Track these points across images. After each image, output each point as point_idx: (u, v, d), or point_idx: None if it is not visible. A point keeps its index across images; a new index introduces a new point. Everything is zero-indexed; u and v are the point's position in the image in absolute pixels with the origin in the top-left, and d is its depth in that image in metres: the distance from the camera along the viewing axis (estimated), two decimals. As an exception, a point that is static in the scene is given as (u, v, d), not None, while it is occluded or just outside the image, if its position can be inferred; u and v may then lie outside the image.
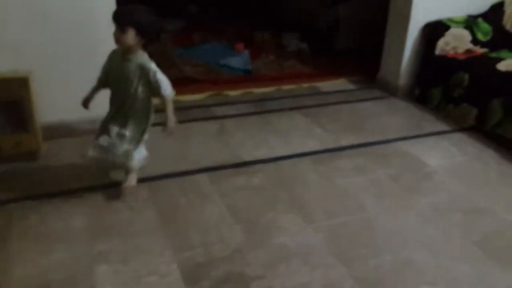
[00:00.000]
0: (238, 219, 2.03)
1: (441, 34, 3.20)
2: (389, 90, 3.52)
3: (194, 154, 2.56)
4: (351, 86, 3.69)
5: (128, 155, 2.08)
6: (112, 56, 2.04)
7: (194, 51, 4.28)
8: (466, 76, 2.98)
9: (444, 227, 2.05)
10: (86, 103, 2.13)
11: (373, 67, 3.70)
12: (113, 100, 2.08)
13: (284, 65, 4.11)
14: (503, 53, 3.14)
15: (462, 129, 2.98)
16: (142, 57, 1.98)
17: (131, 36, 1.88)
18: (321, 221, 2.05)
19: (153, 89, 2.00)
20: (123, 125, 2.06)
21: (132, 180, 2.16)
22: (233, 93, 3.42)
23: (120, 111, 2.06)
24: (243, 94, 3.44)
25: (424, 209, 2.17)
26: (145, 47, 2.00)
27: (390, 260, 1.83)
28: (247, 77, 3.76)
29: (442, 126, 3.03)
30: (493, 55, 3.12)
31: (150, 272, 1.72)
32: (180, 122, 2.89)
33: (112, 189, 2.19)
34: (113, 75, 2.03)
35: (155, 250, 1.84)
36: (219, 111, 3.14)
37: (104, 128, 2.10)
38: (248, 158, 2.55)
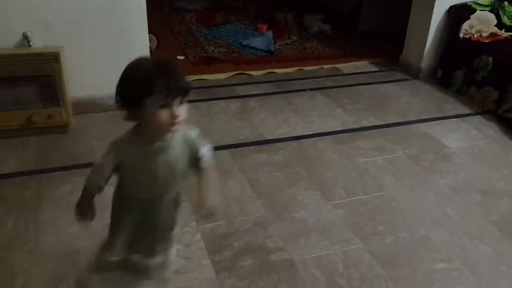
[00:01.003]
0: (259, 194, 2.10)
1: (466, 17, 3.18)
2: (411, 72, 3.51)
3: (216, 132, 2.63)
4: (373, 68, 3.69)
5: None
6: (122, 146, 1.24)
7: (218, 31, 4.32)
8: (490, 60, 2.96)
9: (462, 207, 2.08)
10: (84, 215, 1.36)
11: (396, 49, 3.69)
12: (129, 213, 1.29)
13: (306, 46, 4.12)
14: (528, 37, 3.11)
15: (483, 112, 2.97)
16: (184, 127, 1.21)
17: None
18: (341, 198, 2.10)
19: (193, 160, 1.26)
20: (151, 250, 1.32)
21: None
22: (255, 73, 3.46)
23: (146, 228, 1.29)
24: (265, 74, 3.47)
25: (443, 189, 2.20)
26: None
27: (406, 237, 1.88)
28: (270, 58, 3.79)
29: (463, 109, 3.02)
30: (519, 38, 3.09)
31: (176, 241, 1.80)
32: (204, 100, 2.99)
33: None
34: (136, 173, 1.24)
35: (181, 221, 1.88)
36: (242, 90, 3.19)
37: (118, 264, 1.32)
38: (269, 136, 2.60)
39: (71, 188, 2.08)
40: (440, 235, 1.90)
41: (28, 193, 2.03)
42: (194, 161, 1.26)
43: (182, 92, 1.11)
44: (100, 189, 1.28)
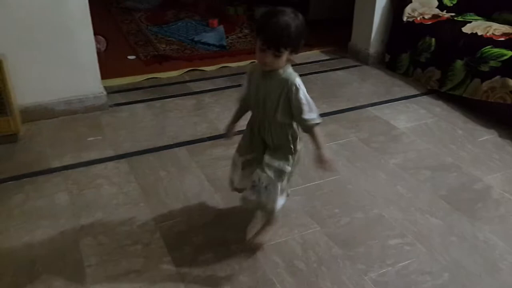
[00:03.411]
0: (217, 188, 2.11)
1: (408, 1, 3.28)
2: (360, 59, 3.60)
3: (172, 129, 2.62)
4: (323, 57, 3.76)
5: (270, 194, 1.64)
6: (252, 70, 1.62)
7: (168, 29, 4.28)
8: (433, 40, 3.08)
9: (412, 184, 2.17)
10: (228, 131, 1.78)
11: (345, 37, 3.77)
12: (252, 124, 1.71)
13: (258, 39, 4.14)
14: (468, 16, 3.24)
15: (430, 92, 3.09)
16: (286, 71, 1.53)
17: (284, 58, 1.48)
18: (297, 185, 2.13)
19: (294, 111, 1.55)
20: (262, 155, 1.67)
21: (266, 234, 1.77)
22: (208, 68, 3.46)
23: (258, 139, 1.69)
24: (219, 69, 3.48)
25: (394, 168, 2.28)
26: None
27: (361, 218, 1.95)
28: (222, 52, 3.79)
29: (411, 90, 3.14)
30: (459, 18, 3.21)
31: (134, 242, 1.80)
32: (158, 99, 2.97)
33: (91, 166, 2.25)
34: (252, 95, 1.61)
35: (138, 221, 1.91)
36: (196, 86, 3.18)
37: (245, 160, 1.73)
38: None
39: (24, 197, 2.04)
40: (393, 213, 1.97)
41: (-22, 206, 1.98)
42: (298, 118, 1.57)
43: (271, 43, 1.44)
44: (241, 100, 1.72)
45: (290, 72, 1.53)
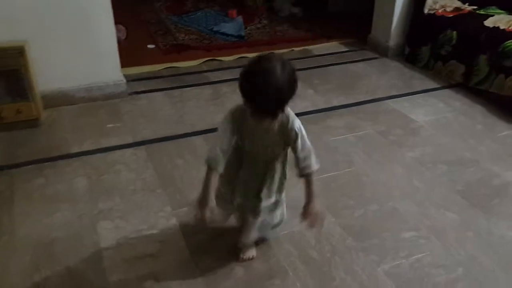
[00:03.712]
0: (232, 177, 2.12)
1: (430, -7, 3.23)
2: (380, 51, 3.57)
3: (189, 118, 2.64)
4: (343, 48, 3.73)
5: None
6: (238, 117, 1.41)
7: (188, 18, 4.29)
8: (454, 34, 3.03)
9: (429, 178, 2.15)
10: (204, 208, 1.44)
11: (365, 29, 3.73)
12: (234, 182, 1.57)
13: (277, 30, 4.14)
14: (491, 10, 3.17)
15: (450, 86, 3.05)
16: (285, 114, 1.39)
17: (280, 117, 1.36)
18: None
19: (295, 156, 1.47)
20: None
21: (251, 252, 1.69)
22: (226, 58, 3.47)
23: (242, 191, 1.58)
24: (237, 59, 3.48)
25: (410, 162, 2.27)
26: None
27: (376, 210, 1.94)
28: (240, 43, 3.79)
29: (430, 84, 3.10)
30: (481, 12, 3.15)
31: (150, 227, 1.83)
32: (176, 88, 3.00)
33: (110, 152, 2.29)
34: (246, 146, 1.47)
35: (155, 206, 1.94)
36: (213, 76, 3.20)
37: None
38: (242, 120, 2.62)
39: (44, 181, 2.08)
40: (408, 206, 1.96)
41: (1, 187, 2.03)
42: (296, 161, 1.47)
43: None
44: (219, 158, 1.43)
45: (289, 115, 1.41)
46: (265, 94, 1.26)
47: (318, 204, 1.50)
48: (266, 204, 1.57)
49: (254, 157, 1.49)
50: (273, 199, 1.59)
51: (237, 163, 1.52)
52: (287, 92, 1.29)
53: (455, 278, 1.62)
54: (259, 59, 1.30)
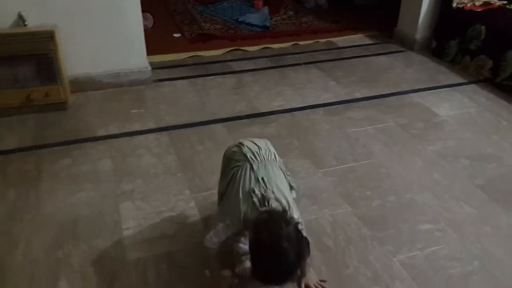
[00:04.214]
0: (252, 164, 2.15)
1: (459, -14, 3.18)
2: (406, 44, 3.53)
3: (212, 106, 2.68)
4: (368, 41, 3.70)
5: None
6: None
7: (214, 8, 4.32)
8: (483, 28, 2.97)
9: (449, 172, 2.13)
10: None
11: (391, 22, 3.69)
12: None
13: (302, 21, 4.13)
14: (522, 4, 3.10)
15: (477, 81, 3.00)
16: None
17: None
18: (331, 166, 2.15)
19: None
20: None
21: None
22: (251, 48, 3.49)
23: None
24: (261, 49, 3.50)
25: (431, 155, 2.25)
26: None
27: (393, 201, 1.94)
28: (265, 33, 3.80)
29: (456, 79, 3.05)
30: (511, 6, 3.08)
31: (169, 209, 1.88)
32: (200, 76, 3.04)
33: (134, 136, 2.35)
34: None
35: (175, 190, 1.99)
36: (237, 65, 3.22)
37: None
38: (263, 109, 2.65)
39: (70, 162, 2.16)
40: (426, 199, 1.95)
41: (28, 167, 2.11)
42: None
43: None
44: None
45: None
46: (278, 275, 1.28)
47: (312, 274, 1.53)
48: None
49: None
50: None
51: None
52: (296, 261, 1.28)
53: (470, 271, 1.61)
54: (261, 232, 1.28)
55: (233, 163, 1.52)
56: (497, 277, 1.60)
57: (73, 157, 2.19)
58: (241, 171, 1.47)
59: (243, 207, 1.38)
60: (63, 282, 1.54)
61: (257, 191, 1.39)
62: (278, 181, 1.45)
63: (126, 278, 1.56)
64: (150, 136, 2.38)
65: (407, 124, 2.50)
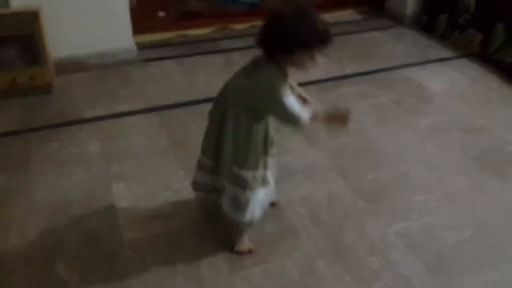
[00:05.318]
0: (244, 142, 2.13)
1: (448, -41, 3.15)
2: (396, 20, 3.51)
3: (201, 85, 2.64)
4: (358, 17, 3.67)
5: None
6: (281, 80, 1.38)
7: (199, -13, 4.25)
8: (472, 1, 2.96)
9: (442, 145, 2.14)
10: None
11: (381, -3, 3.67)
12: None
13: (290, -2, 4.07)
14: (511, -23, 3.09)
15: (466, 55, 3.00)
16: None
17: None
18: (324, 142, 2.14)
19: None
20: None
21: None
22: (238, 26, 3.44)
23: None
24: (249, 27, 3.44)
25: (424, 129, 2.26)
26: None
27: (387, 174, 1.95)
28: (253, 11, 3.74)
29: (446, 53, 3.05)
30: (501, -21, 3.07)
31: (164, 188, 1.86)
32: (187, 55, 2.99)
33: (123, 118, 2.31)
34: None
35: (168, 170, 1.97)
36: (225, 44, 3.18)
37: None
38: (254, 87, 2.62)
39: (59, 145, 2.12)
40: (420, 171, 1.96)
41: (17, 152, 2.07)
42: None
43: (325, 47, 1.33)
44: None
45: None
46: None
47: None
48: None
49: None
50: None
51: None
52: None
53: (465, 239, 1.63)
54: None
55: None
56: (491, 243, 1.62)
57: (61, 140, 2.15)
58: None
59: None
60: (60, 264, 1.53)
61: None
62: None
63: (124, 258, 1.55)
64: (140, 116, 2.35)
65: (399, 99, 2.50)
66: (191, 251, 1.58)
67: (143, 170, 1.96)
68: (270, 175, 1.51)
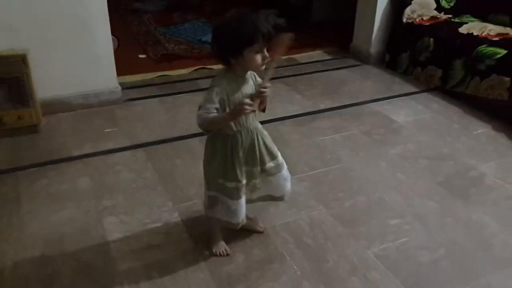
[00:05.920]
0: (228, 174, 2.25)
1: (408, 3, 3.45)
2: (361, 58, 3.76)
3: (184, 122, 2.76)
4: (326, 56, 3.92)
5: None
6: (224, 84, 1.53)
7: (176, 29, 4.44)
8: (431, 40, 3.24)
9: (411, 172, 2.32)
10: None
11: (347, 38, 3.93)
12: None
13: (263, 40, 4.29)
14: (465, 18, 3.40)
15: (428, 90, 3.26)
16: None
17: None
18: (304, 172, 2.29)
19: None
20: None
21: None
22: (216, 67, 3.59)
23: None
24: (226, 67, 3.62)
25: (394, 158, 2.44)
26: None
27: (363, 201, 2.09)
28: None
29: (410, 88, 3.30)
30: (456, 20, 3.38)
31: (154, 221, 1.94)
32: (169, 94, 3.12)
33: (110, 154, 2.40)
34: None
35: (157, 202, 2.05)
36: (204, 83, 3.32)
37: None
38: (234, 123, 2.76)
39: (48, 182, 2.18)
40: (393, 197, 2.12)
41: (7, 189, 2.12)
42: None
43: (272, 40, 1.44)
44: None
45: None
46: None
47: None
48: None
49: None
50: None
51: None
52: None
53: (438, 258, 1.77)
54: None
55: None
56: (462, 261, 1.76)
57: (50, 177, 2.21)
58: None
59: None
60: (56, 296, 1.58)
61: None
62: None
63: (119, 288, 1.61)
64: (126, 153, 2.44)
65: (369, 131, 2.69)
66: (182, 278, 1.66)
67: (133, 203, 2.04)
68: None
